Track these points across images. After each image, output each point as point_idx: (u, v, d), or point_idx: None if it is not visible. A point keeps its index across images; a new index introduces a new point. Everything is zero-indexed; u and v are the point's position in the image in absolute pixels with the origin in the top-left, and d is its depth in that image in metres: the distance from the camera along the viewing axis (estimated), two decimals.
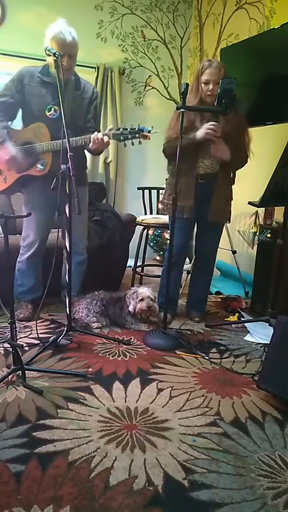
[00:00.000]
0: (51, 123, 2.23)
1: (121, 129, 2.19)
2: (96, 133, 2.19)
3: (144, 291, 2.48)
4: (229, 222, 2.58)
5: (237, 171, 2.50)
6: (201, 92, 2.28)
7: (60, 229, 2.58)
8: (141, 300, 2.44)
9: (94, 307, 2.49)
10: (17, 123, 2.41)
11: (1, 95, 2.27)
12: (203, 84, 2.27)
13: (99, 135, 2.18)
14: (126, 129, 2.17)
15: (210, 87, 2.24)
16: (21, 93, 2.26)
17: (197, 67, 2.36)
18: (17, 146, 2.26)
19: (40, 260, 2.57)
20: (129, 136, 2.17)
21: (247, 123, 2.39)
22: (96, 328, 2.44)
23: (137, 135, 2.15)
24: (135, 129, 2.15)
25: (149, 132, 2.15)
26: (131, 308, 2.45)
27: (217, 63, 2.27)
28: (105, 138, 2.18)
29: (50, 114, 2.26)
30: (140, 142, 2.17)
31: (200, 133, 2.22)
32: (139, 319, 2.49)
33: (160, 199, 2.62)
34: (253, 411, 1.68)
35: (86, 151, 2.47)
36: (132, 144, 2.19)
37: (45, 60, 2.24)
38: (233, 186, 2.51)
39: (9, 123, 2.35)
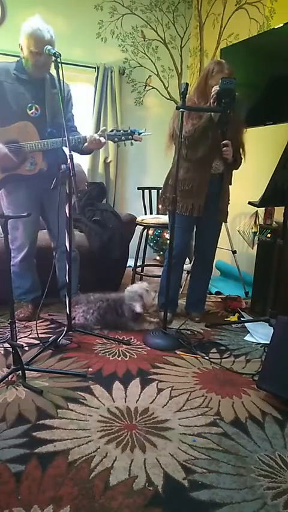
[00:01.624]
0: (34, 121, 2.22)
1: (114, 131, 2.26)
2: (92, 134, 2.24)
3: (144, 286, 2.49)
4: (225, 221, 2.61)
5: (234, 171, 2.51)
6: (208, 93, 2.22)
7: (47, 231, 2.58)
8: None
9: (91, 316, 2.42)
10: None
11: None
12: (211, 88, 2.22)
13: (96, 136, 2.22)
14: (119, 130, 2.25)
15: None
16: None
17: (206, 67, 2.31)
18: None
19: (33, 261, 2.56)
20: (122, 137, 2.25)
21: (244, 124, 2.39)
22: (96, 328, 2.44)
23: (129, 136, 2.25)
24: (127, 131, 2.24)
25: (140, 134, 2.24)
26: (139, 309, 2.40)
27: (228, 68, 2.22)
28: (102, 139, 2.22)
29: (32, 113, 2.23)
30: (131, 144, 2.30)
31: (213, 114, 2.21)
32: (141, 320, 2.48)
33: (160, 193, 2.59)
34: (253, 411, 1.68)
35: (73, 151, 2.44)
36: (125, 145, 2.31)
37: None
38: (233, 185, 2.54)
39: None
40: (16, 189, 2.34)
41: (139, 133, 2.23)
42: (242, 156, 2.40)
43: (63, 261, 2.44)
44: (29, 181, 2.28)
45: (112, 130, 2.26)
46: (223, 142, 2.26)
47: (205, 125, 2.21)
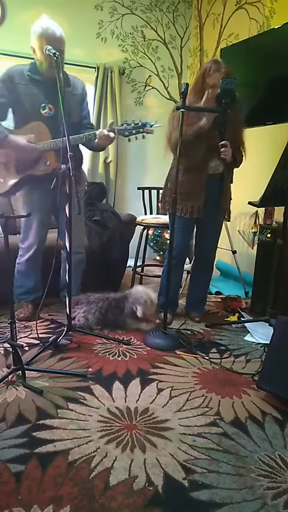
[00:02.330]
0: (48, 121, 2.22)
1: (125, 125, 2.20)
2: (101, 129, 2.20)
3: (148, 292, 2.48)
4: (229, 220, 2.60)
5: (235, 170, 2.50)
6: (207, 95, 2.23)
7: (58, 230, 2.58)
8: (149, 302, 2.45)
9: (93, 317, 2.42)
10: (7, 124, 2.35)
11: None
12: (208, 87, 2.22)
13: (105, 131, 2.18)
14: (130, 124, 2.18)
15: (217, 91, 2.16)
16: (13, 93, 2.21)
17: (203, 66, 2.31)
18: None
19: (39, 260, 2.56)
20: (133, 131, 2.18)
21: (244, 124, 2.39)
22: (96, 328, 2.43)
23: (140, 129, 2.17)
24: (138, 124, 2.17)
25: (152, 126, 2.16)
26: (140, 313, 2.41)
27: (225, 67, 2.22)
28: (111, 134, 2.19)
29: (45, 113, 2.24)
30: (143, 137, 2.20)
31: (205, 122, 2.21)
32: (140, 320, 2.48)
33: (160, 197, 2.60)
34: (253, 411, 1.68)
35: (87, 148, 2.46)
36: (136, 138, 2.21)
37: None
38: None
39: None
40: (31, 190, 2.37)
41: (151, 126, 2.17)
42: (243, 154, 2.39)
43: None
44: (43, 181, 2.27)
45: (122, 125, 2.21)
46: (221, 143, 2.26)
47: (195, 135, 2.20)
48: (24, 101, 2.22)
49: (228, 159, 2.31)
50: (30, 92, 2.21)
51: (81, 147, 2.45)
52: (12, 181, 2.32)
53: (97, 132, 2.21)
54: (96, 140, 2.23)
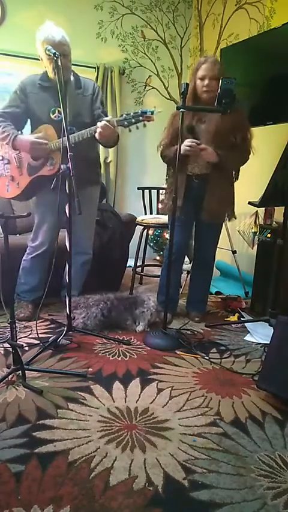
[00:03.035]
0: (57, 124, 2.22)
1: (124, 115, 2.17)
2: (98, 122, 2.17)
3: (150, 302, 2.51)
4: (229, 220, 2.54)
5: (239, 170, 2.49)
6: (197, 89, 2.28)
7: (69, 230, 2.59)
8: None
9: (92, 321, 2.39)
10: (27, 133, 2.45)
11: (8, 106, 2.34)
12: (198, 80, 2.27)
13: (102, 123, 2.14)
14: (129, 113, 2.15)
15: (206, 82, 2.24)
16: (26, 103, 2.32)
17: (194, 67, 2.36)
18: None
19: (46, 259, 2.54)
20: (133, 120, 2.14)
21: (248, 121, 2.38)
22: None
23: (140, 118, 2.12)
24: (138, 112, 2.13)
25: (152, 113, 2.11)
26: (139, 329, 2.44)
27: (212, 58, 2.28)
28: (108, 124, 2.13)
29: (55, 117, 2.29)
30: (144, 125, 2.15)
31: (183, 149, 2.23)
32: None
33: (160, 198, 2.62)
34: (253, 411, 1.68)
35: (102, 145, 2.48)
36: (137, 128, 2.16)
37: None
38: (234, 185, 2.50)
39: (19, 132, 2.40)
40: (42, 191, 2.40)
41: (152, 113, 2.11)
42: (249, 152, 2.37)
43: (76, 263, 2.50)
44: (51, 182, 2.27)
45: (122, 115, 2.19)
46: (199, 147, 2.24)
47: (171, 157, 2.26)
48: (35, 108, 2.32)
49: (213, 160, 2.29)
50: (41, 99, 2.30)
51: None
52: (24, 184, 2.39)
53: (97, 125, 2.16)
54: (97, 136, 2.17)
